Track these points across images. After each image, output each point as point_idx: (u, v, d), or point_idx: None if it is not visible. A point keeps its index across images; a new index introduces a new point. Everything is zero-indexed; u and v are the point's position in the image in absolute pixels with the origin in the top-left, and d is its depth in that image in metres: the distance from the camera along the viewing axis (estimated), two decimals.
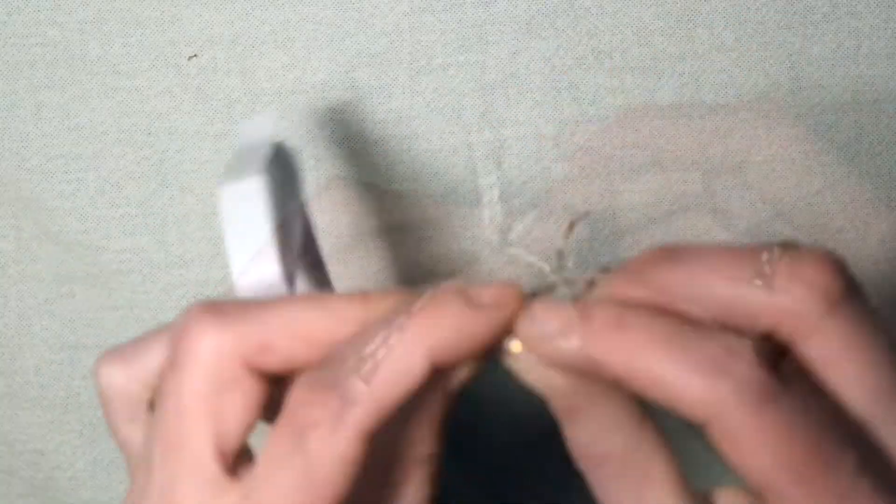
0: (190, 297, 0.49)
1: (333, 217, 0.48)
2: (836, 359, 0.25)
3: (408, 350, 0.24)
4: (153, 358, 0.31)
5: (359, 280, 0.48)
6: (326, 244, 0.48)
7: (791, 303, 0.25)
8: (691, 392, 0.24)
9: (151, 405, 0.32)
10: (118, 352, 0.32)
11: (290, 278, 0.34)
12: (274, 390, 0.27)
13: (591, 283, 0.26)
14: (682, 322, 0.25)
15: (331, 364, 0.25)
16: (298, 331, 0.26)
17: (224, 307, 0.27)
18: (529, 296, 0.26)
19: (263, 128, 0.39)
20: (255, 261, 0.34)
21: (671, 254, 0.26)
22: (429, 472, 0.29)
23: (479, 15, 0.45)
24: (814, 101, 0.45)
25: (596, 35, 0.45)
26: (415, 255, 0.48)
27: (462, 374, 0.26)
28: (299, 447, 0.24)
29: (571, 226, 0.34)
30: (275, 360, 0.26)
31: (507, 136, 0.46)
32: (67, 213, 0.48)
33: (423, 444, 0.28)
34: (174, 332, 0.28)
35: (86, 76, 0.47)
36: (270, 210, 0.34)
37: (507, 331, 0.25)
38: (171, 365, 0.27)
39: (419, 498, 0.29)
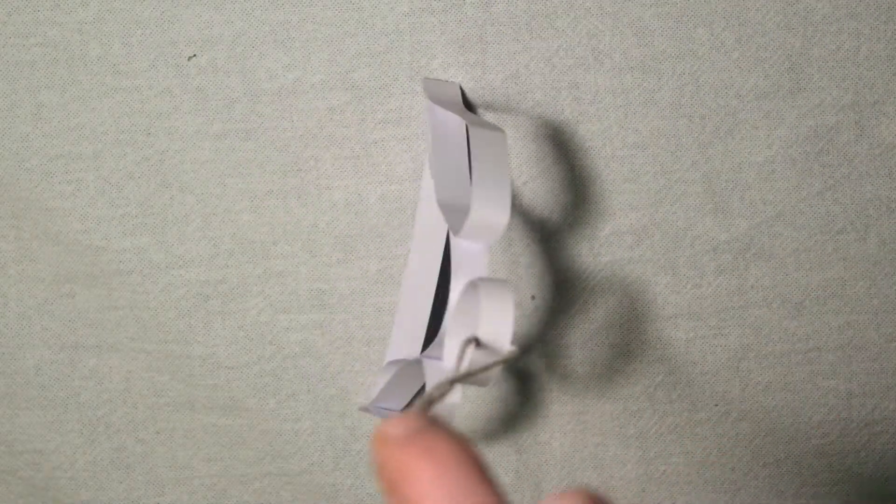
0: (190, 297, 0.49)
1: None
2: None
3: None
4: None
5: (360, 281, 0.48)
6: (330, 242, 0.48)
7: None
8: None
9: None
10: None
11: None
12: None
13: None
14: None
15: None
16: None
17: None
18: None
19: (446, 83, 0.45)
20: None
21: None
22: None
23: (479, 15, 0.45)
24: (814, 101, 0.45)
25: (596, 35, 0.45)
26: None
27: None
28: None
29: (464, 348, 0.35)
30: None
31: (506, 137, 0.46)
32: (67, 213, 0.48)
33: None
34: None
35: (86, 76, 0.47)
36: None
37: None
38: None
39: None
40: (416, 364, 0.45)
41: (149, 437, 0.51)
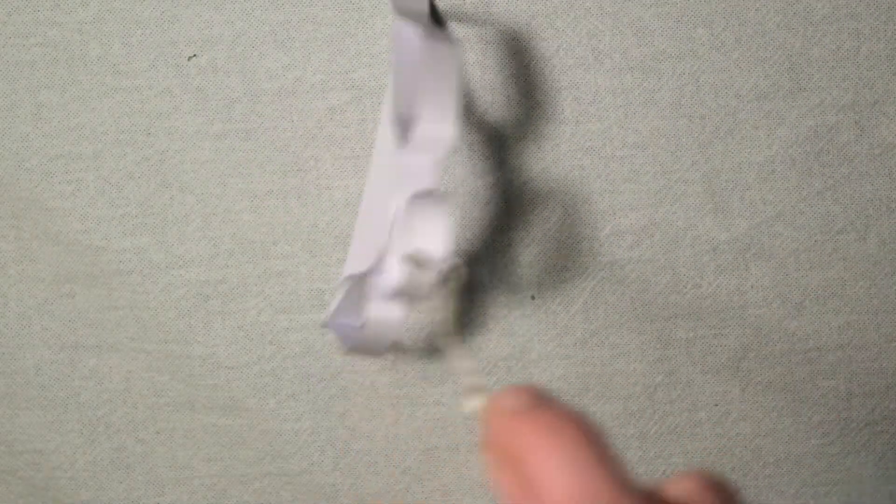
0: (190, 297, 0.49)
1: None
2: None
3: None
4: None
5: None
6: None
7: None
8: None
9: None
10: None
11: None
12: None
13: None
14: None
15: None
16: None
17: None
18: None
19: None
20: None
21: None
22: None
23: (480, 15, 0.45)
24: (814, 101, 0.45)
25: (596, 35, 0.45)
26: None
27: None
28: None
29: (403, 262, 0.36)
30: None
31: (507, 137, 0.46)
32: (67, 213, 0.48)
33: None
34: None
35: (86, 76, 0.47)
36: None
37: None
38: None
39: None
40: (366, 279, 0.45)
41: (149, 437, 0.51)
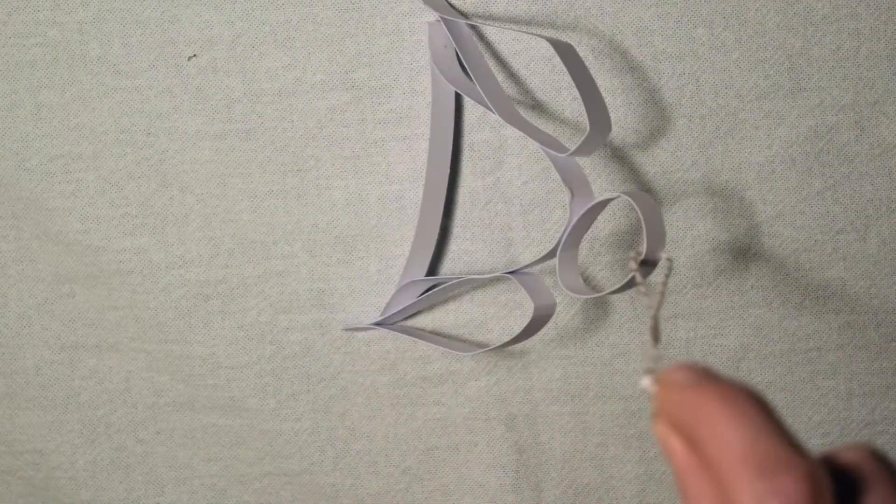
0: (190, 297, 0.49)
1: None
2: None
3: None
4: None
5: (360, 281, 0.48)
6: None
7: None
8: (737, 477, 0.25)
9: None
10: None
11: None
12: None
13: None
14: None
15: None
16: None
17: None
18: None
19: None
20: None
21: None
22: None
23: (480, 15, 0.45)
24: (814, 101, 0.45)
25: (596, 35, 0.45)
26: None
27: None
28: None
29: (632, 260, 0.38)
30: None
31: (507, 136, 0.46)
32: (67, 213, 0.48)
33: None
34: None
35: (86, 76, 0.47)
36: None
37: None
38: None
39: None
40: (422, 284, 0.47)
41: (149, 437, 0.51)
